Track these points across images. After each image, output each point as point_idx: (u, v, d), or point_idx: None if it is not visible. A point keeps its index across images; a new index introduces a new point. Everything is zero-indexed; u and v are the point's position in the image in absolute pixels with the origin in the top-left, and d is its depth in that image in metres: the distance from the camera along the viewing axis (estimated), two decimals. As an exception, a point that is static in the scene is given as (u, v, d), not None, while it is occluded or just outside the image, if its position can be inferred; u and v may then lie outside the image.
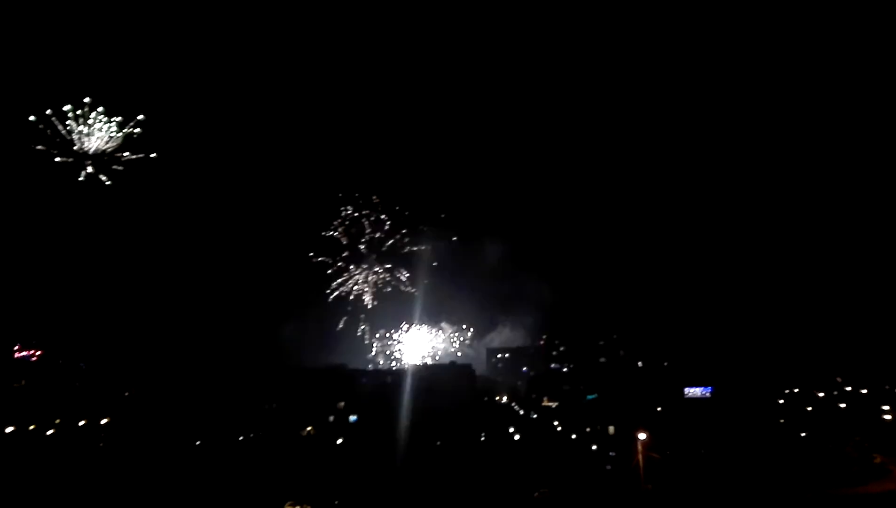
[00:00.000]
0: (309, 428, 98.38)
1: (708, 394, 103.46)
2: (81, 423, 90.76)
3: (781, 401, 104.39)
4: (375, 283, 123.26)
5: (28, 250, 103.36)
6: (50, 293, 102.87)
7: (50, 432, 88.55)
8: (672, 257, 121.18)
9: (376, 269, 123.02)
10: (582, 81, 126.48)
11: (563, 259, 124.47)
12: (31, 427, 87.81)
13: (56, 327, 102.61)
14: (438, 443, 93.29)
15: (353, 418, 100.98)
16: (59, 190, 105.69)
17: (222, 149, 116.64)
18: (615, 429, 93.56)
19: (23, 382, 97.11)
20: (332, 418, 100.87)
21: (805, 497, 74.92)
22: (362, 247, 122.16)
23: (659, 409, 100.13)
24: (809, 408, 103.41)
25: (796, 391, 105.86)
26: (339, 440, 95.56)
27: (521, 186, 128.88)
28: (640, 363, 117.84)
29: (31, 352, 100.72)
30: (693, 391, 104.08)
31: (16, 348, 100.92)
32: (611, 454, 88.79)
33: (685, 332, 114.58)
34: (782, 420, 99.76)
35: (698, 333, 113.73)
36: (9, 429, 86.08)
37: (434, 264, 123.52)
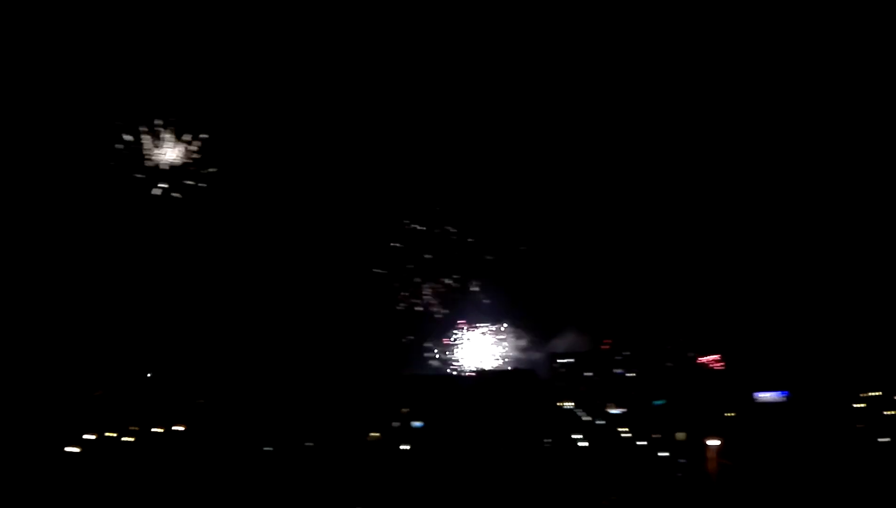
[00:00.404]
0: (374, 434, 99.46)
1: (783, 398, 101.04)
2: (157, 430, 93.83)
3: (860, 405, 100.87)
4: (440, 292, 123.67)
5: (101, 264, 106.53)
6: (129, 303, 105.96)
7: (128, 439, 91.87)
8: (742, 259, 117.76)
9: (442, 279, 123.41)
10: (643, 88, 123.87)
11: (628, 263, 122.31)
12: (110, 435, 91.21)
13: (131, 335, 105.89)
14: (503, 449, 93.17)
15: (417, 424, 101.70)
16: (135, 205, 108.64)
17: (290, 161, 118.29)
18: (685, 435, 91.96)
19: (100, 391, 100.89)
20: (396, 424, 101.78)
21: (885, 505, 72.25)
22: (428, 256, 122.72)
23: (730, 414, 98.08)
24: (889, 412, 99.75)
25: (875, 394, 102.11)
26: (405, 446, 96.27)
27: (585, 193, 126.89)
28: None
29: (109, 361, 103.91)
30: (766, 396, 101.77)
31: (93, 357, 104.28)
32: (681, 461, 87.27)
33: (755, 334, 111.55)
34: (860, 426, 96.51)
35: (769, 334, 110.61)
36: (88, 437, 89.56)
37: (500, 273, 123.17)
